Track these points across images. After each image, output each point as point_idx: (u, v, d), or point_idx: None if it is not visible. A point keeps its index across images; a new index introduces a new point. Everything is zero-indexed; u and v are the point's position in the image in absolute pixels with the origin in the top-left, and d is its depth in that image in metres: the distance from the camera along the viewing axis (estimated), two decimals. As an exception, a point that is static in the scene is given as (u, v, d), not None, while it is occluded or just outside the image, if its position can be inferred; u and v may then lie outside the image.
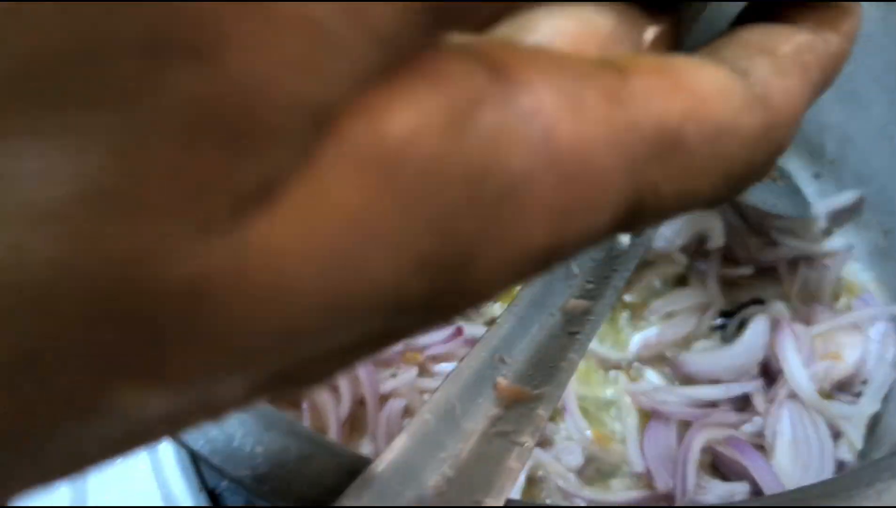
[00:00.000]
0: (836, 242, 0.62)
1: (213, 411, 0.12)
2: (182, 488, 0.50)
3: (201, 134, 0.09)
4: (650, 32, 0.18)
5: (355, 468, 0.30)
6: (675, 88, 0.15)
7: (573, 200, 0.13)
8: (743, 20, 0.20)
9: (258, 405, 0.35)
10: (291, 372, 0.12)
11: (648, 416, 0.55)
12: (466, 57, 0.12)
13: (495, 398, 0.35)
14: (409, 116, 0.11)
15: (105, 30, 0.08)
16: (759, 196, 0.56)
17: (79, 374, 0.10)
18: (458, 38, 0.13)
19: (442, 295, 0.12)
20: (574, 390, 0.55)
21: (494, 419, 0.33)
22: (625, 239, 0.48)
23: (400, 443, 0.31)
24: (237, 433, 0.31)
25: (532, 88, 0.12)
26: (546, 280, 0.41)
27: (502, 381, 0.36)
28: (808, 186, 0.66)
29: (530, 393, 0.35)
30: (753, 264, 0.61)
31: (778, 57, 0.18)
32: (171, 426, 0.12)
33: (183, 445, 0.31)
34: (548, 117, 0.12)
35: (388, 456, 0.30)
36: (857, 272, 0.61)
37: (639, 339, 0.58)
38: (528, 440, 0.33)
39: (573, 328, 0.39)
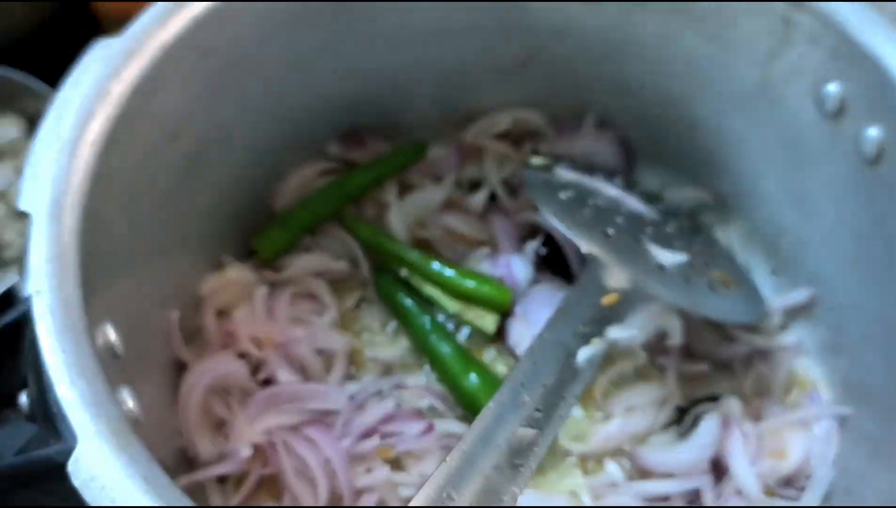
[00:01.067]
0: (789, 337, 0.66)
1: None
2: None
3: None
4: None
5: None
6: None
7: None
8: None
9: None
10: None
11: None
12: None
13: None
14: None
15: None
16: (713, 305, 0.60)
17: None
18: None
19: None
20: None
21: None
22: (581, 357, 0.52)
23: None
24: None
25: None
26: (497, 410, 0.45)
27: None
28: (766, 281, 0.70)
29: None
30: (711, 359, 0.65)
31: None
32: None
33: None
34: None
35: None
36: (807, 368, 0.65)
37: (602, 431, 0.62)
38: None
39: (518, 460, 0.43)
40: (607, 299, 0.56)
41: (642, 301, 0.58)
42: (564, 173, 0.67)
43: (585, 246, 0.59)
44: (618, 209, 0.65)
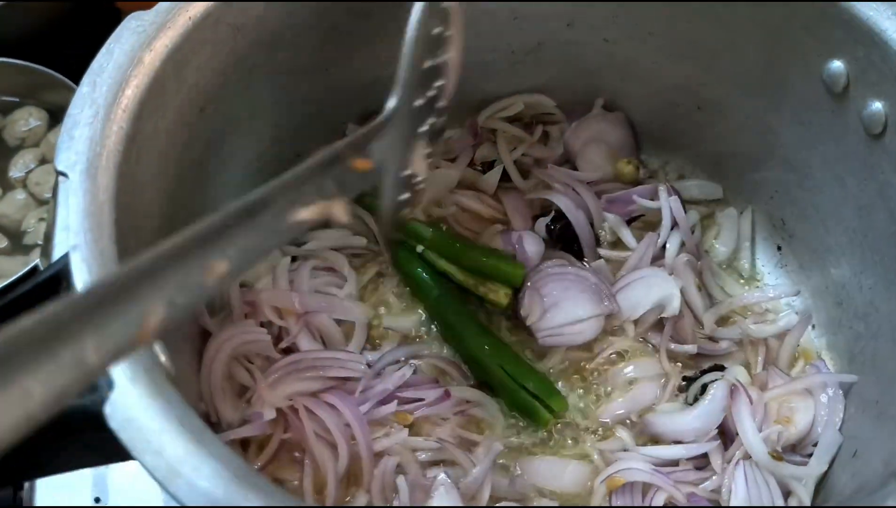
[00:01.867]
0: (796, 312, 0.68)
1: None
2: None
3: None
4: None
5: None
6: None
7: None
8: None
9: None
10: None
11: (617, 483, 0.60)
12: None
13: None
14: None
15: None
16: None
17: None
18: None
19: None
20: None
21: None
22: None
23: None
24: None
25: None
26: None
27: None
28: (772, 257, 0.72)
29: None
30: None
31: None
32: None
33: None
34: None
35: None
36: (812, 339, 0.67)
37: (605, 412, 0.63)
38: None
39: None
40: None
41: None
42: None
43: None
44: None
